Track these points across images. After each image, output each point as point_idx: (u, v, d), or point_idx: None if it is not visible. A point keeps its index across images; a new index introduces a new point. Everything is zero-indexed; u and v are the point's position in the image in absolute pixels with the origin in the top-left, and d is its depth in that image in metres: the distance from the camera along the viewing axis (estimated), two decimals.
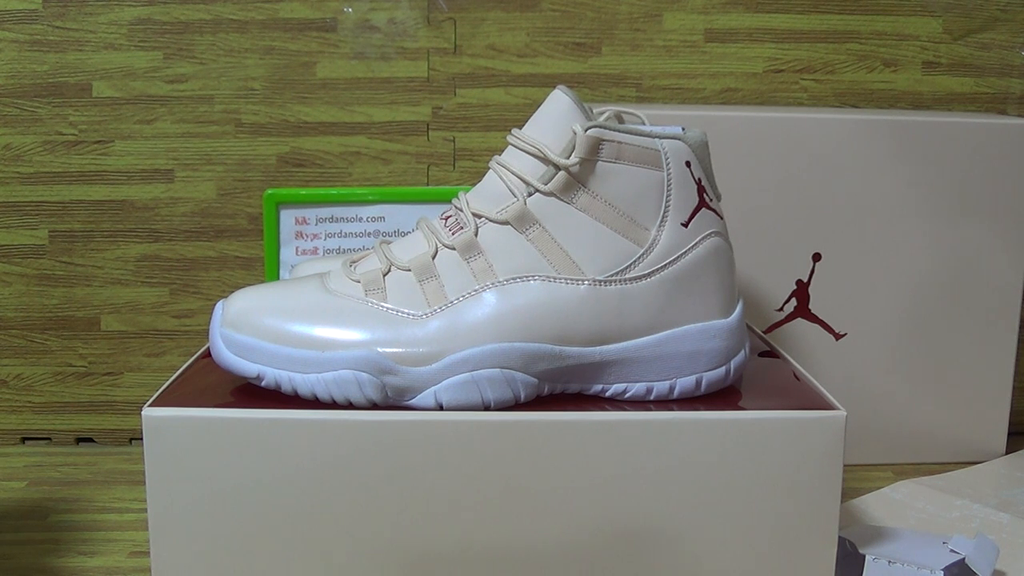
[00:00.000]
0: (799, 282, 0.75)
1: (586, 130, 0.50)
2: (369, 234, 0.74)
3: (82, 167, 0.82)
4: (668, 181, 0.51)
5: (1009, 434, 0.80)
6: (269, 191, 0.73)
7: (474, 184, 0.74)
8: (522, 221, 0.50)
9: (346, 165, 0.83)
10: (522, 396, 0.50)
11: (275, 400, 0.50)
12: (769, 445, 0.49)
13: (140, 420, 0.49)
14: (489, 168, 0.53)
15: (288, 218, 0.73)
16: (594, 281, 0.50)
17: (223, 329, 0.50)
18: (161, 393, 0.51)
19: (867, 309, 0.76)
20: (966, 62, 0.84)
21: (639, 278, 0.51)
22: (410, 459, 0.49)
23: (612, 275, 0.50)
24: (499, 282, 0.50)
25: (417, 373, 0.49)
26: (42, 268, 0.83)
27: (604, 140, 0.50)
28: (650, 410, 0.50)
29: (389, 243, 0.53)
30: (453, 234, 0.51)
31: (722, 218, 0.53)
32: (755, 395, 0.53)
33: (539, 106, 0.59)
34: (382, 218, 0.74)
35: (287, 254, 0.74)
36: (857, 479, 0.75)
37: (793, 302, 0.76)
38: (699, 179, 0.52)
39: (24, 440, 0.85)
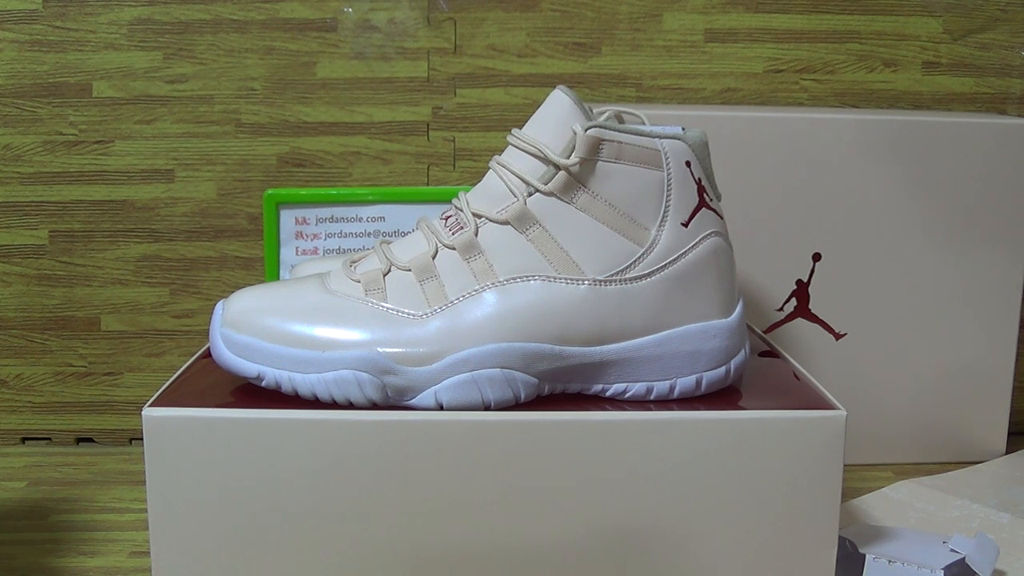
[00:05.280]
0: (799, 282, 0.75)
1: (586, 130, 0.50)
2: (369, 234, 0.74)
3: (82, 167, 0.82)
4: (668, 181, 0.51)
5: (1009, 434, 0.80)
6: (269, 191, 0.73)
7: (474, 184, 0.74)
8: (522, 221, 0.50)
9: (346, 165, 0.83)
10: (522, 396, 0.50)
11: (275, 400, 0.50)
12: (769, 445, 0.49)
13: (140, 420, 0.49)
14: (489, 168, 0.53)
15: (288, 218, 0.73)
16: (594, 281, 0.50)
17: (223, 329, 0.50)
18: (161, 393, 0.51)
19: (867, 309, 0.76)
20: (966, 62, 0.84)
21: (639, 278, 0.51)
22: (410, 459, 0.49)
23: (612, 275, 0.50)
24: (499, 282, 0.50)
25: (417, 373, 0.49)
26: (42, 268, 0.83)
27: (604, 140, 0.50)
28: (650, 410, 0.50)
29: (389, 243, 0.53)
30: (453, 234, 0.51)
31: (722, 218, 0.53)
32: (755, 395, 0.53)
33: (539, 106, 0.59)
34: (382, 218, 0.74)
35: (287, 254, 0.74)
36: (857, 479, 0.75)
37: (793, 302, 0.76)
38: (699, 179, 0.52)
39: (24, 440, 0.85)
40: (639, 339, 0.51)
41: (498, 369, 0.49)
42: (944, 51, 0.84)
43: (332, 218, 0.74)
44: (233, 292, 0.57)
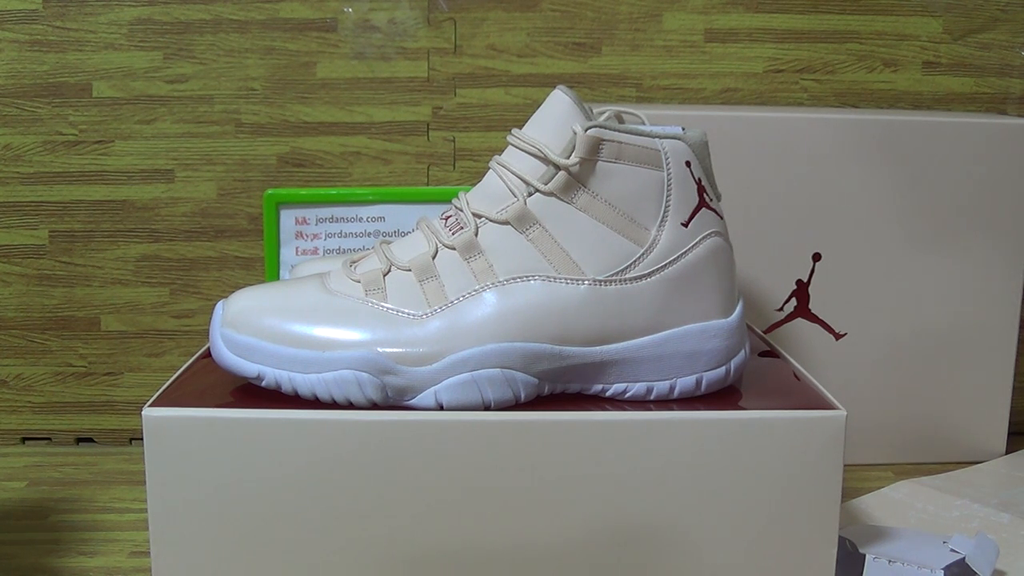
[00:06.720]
0: (799, 282, 0.75)
1: (586, 130, 0.50)
2: (369, 234, 0.74)
3: (82, 167, 0.82)
4: (668, 181, 0.51)
5: (1009, 434, 0.80)
6: (269, 191, 0.73)
7: (474, 184, 0.74)
8: (522, 221, 0.50)
9: (346, 165, 0.83)
10: (522, 396, 0.50)
11: (275, 400, 0.50)
12: (769, 445, 0.49)
13: (140, 420, 0.49)
14: (489, 168, 0.53)
15: (288, 218, 0.73)
16: (594, 281, 0.50)
17: (223, 329, 0.50)
18: (161, 393, 0.51)
19: (867, 309, 0.76)
20: (966, 62, 0.84)
21: (639, 278, 0.51)
22: (410, 459, 0.49)
23: (612, 275, 0.50)
24: (499, 282, 0.50)
25: (417, 373, 0.49)
26: (42, 268, 0.83)
27: (604, 140, 0.50)
28: (650, 410, 0.50)
29: (389, 243, 0.53)
30: (453, 234, 0.51)
31: (722, 218, 0.53)
32: (755, 395, 0.53)
33: (539, 106, 0.60)
34: (382, 218, 0.74)
35: (287, 254, 0.74)
36: (857, 479, 0.75)
37: (793, 302, 0.76)
38: (699, 179, 0.52)
39: (24, 440, 0.85)
40: (639, 339, 0.51)
41: (498, 369, 0.49)
42: (944, 51, 0.84)
43: (332, 218, 0.74)
44: (233, 292, 0.57)
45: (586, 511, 0.50)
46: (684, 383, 0.52)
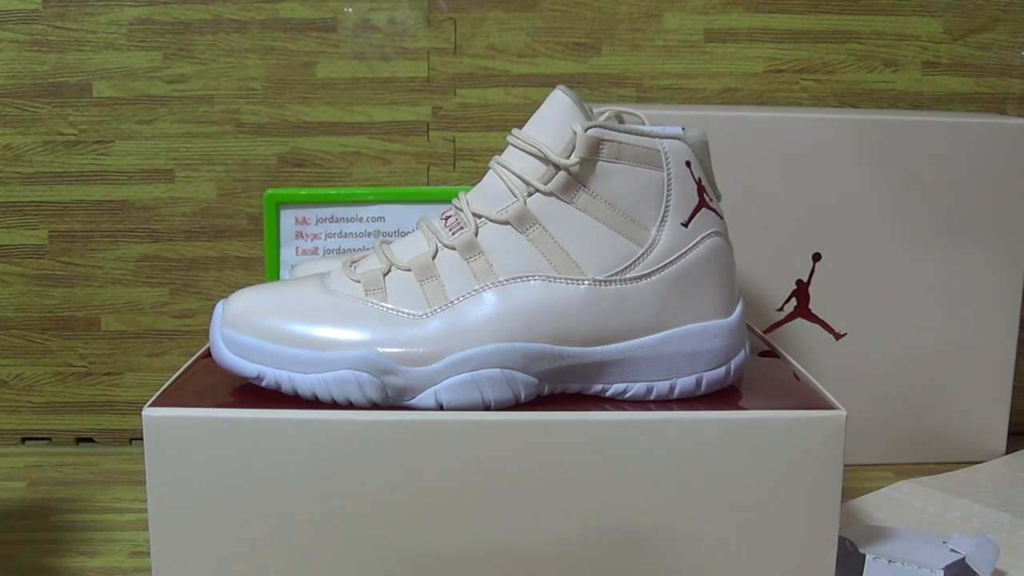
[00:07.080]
0: (799, 282, 0.75)
1: (586, 130, 0.50)
2: (369, 234, 0.74)
3: (82, 167, 0.82)
4: (668, 181, 0.51)
5: (1009, 434, 0.80)
6: (269, 191, 0.73)
7: (474, 184, 0.74)
8: (522, 221, 0.50)
9: (346, 165, 0.83)
10: (522, 396, 0.50)
11: (275, 400, 0.50)
12: (769, 445, 0.49)
13: (140, 420, 0.49)
14: (489, 168, 0.53)
15: (288, 218, 0.73)
16: (594, 281, 0.50)
17: (223, 329, 0.50)
18: (161, 393, 0.51)
19: (867, 309, 0.76)
20: (966, 62, 0.84)
21: (639, 278, 0.51)
22: (410, 459, 0.49)
23: (612, 275, 0.50)
24: (499, 282, 0.50)
25: (417, 373, 0.49)
26: (42, 268, 0.83)
27: (604, 140, 0.50)
28: (650, 410, 0.50)
29: (389, 243, 0.53)
30: (453, 234, 0.51)
31: (722, 218, 0.53)
32: (755, 395, 0.53)
33: (539, 106, 0.60)
34: (382, 218, 0.74)
35: (287, 254, 0.74)
36: (857, 479, 0.75)
37: (793, 302, 0.76)
38: (699, 179, 0.52)
39: (24, 440, 0.85)
40: (639, 339, 0.51)
41: (498, 369, 0.49)
42: (944, 51, 0.84)
43: (332, 218, 0.74)
44: (233, 292, 0.57)
45: (586, 511, 0.50)
46: (684, 383, 0.52)
